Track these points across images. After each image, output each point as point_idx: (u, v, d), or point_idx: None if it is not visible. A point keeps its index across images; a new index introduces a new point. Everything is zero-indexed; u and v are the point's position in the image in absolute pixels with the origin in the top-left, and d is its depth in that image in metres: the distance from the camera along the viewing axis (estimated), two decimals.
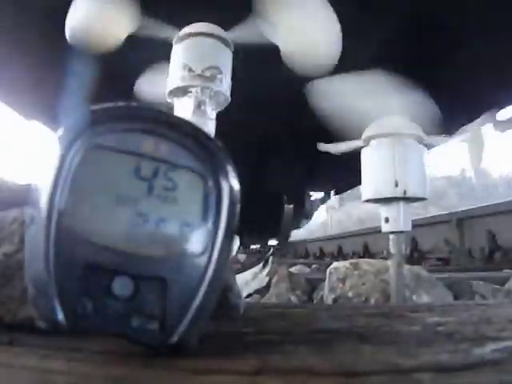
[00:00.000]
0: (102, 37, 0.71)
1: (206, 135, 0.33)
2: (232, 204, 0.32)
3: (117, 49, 0.72)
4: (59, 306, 0.28)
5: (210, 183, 0.32)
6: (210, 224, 0.31)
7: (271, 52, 0.71)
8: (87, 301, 0.28)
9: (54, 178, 0.29)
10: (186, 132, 0.33)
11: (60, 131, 0.30)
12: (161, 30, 0.72)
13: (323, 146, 0.78)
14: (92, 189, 0.29)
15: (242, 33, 0.71)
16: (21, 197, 0.38)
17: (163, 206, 0.31)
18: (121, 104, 0.32)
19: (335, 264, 1.00)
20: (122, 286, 0.29)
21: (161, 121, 0.32)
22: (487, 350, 0.32)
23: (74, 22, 0.71)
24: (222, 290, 0.47)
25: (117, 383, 0.26)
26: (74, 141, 0.30)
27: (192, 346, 0.30)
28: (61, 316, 0.27)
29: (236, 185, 0.33)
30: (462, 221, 2.89)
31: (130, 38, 0.72)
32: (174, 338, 0.29)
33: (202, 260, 0.31)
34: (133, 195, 0.30)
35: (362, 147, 0.75)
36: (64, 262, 0.28)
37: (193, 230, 0.31)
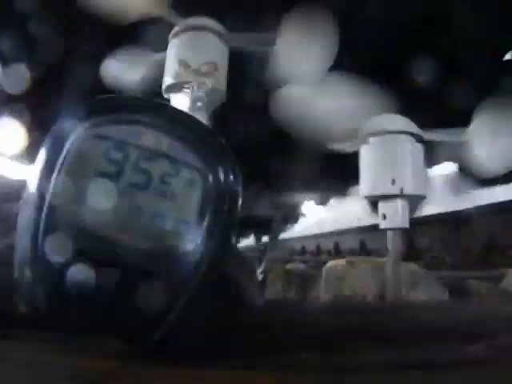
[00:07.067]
0: (125, 8, 0.70)
1: (208, 130, 0.33)
2: (232, 202, 0.32)
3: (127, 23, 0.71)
4: (42, 291, 0.27)
5: (210, 180, 0.31)
6: (206, 222, 0.31)
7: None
8: (71, 289, 0.28)
9: (50, 162, 0.29)
10: (187, 126, 0.32)
11: (60, 120, 0.30)
12: (171, 15, 0.71)
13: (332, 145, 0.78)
14: (88, 177, 0.29)
15: (242, 39, 0.71)
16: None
17: (160, 200, 0.30)
18: (122, 95, 0.32)
19: (332, 262, 1.00)
20: (108, 277, 0.28)
21: (162, 114, 0.32)
22: (481, 347, 0.32)
23: None
24: (236, 292, 0.47)
25: (108, 377, 0.26)
26: (73, 129, 0.30)
27: (178, 343, 0.29)
28: (42, 301, 0.27)
29: (237, 183, 0.32)
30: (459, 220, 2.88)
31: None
32: (158, 335, 0.29)
33: (194, 258, 0.30)
34: (129, 187, 0.30)
35: (361, 145, 0.75)
36: (52, 246, 0.28)
37: (188, 227, 0.30)
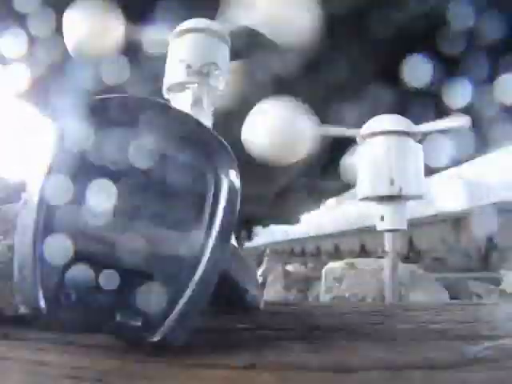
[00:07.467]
0: (98, 49, 0.72)
1: (208, 130, 0.33)
2: (230, 203, 0.31)
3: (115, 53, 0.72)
4: (42, 293, 0.27)
5: (210, 180, 0.31)
6: (206, 223, 0.31)
7: None
8: (71, 290, 0.28)
9: (50, 165, 0.29)
10: (188, 126, 0.32)
11: (60, 120, 0.30)
12: (157, 32, 0.72)
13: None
14: (87, 178, 0.29)
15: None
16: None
17: (159, 201, 0.30)
18: (123, 95, 0.32)
19: (331, 264, 1.00)
20: (108, 279, 0.28)
21: (163, 114, 0.32)
22: (480, 347, 0.32)
23: (71, 39, 0.73)
24: (238, 292, 0.47)
25: (108, 377, 0.26)
26: (73, 129, 0.29)
27: (177, 343, 0.29)
28: (42, 303, 0.27)
29: (236, 183, 0.32)
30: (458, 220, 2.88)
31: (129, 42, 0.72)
32: (157, 336, 0.29)
33: (193, 260, 0.30)
34: (128, 188, 0.30)
35: (359, 145, 0.75)
36: (51, 247, 0.27)
37: (186, 228, 0.30)
